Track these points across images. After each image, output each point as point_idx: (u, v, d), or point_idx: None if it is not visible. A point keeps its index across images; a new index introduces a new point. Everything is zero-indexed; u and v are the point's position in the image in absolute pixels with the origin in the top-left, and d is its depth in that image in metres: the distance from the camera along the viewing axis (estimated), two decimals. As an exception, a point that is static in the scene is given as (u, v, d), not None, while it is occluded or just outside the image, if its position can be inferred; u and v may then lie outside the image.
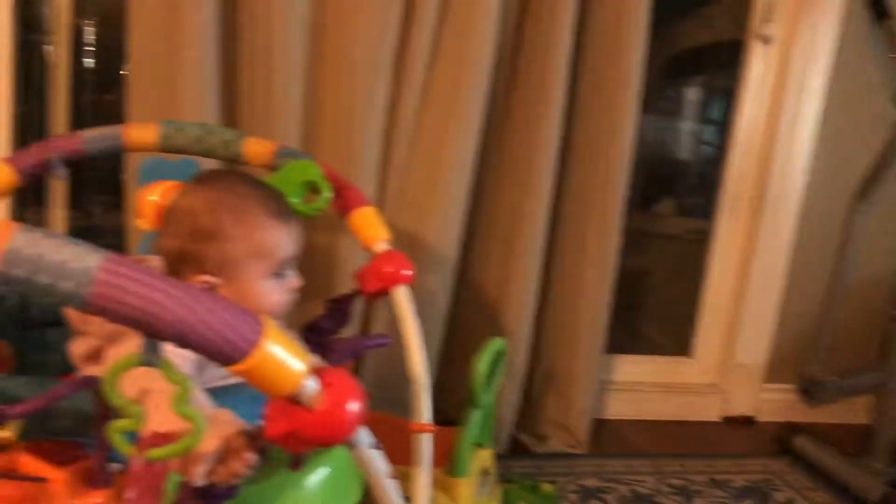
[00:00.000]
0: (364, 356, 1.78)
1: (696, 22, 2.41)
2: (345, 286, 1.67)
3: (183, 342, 0.60)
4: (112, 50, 1.99)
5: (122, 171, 1.67)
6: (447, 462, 1.36)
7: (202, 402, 0.77)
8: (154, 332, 0.59)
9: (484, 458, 1.45)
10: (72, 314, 0.93)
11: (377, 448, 0.75)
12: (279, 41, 1.58)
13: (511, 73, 1.78)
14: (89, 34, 2.01)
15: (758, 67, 2.06)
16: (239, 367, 0.61)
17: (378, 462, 0.76)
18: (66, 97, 1.95)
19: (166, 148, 1.24)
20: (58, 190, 1.95)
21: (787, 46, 2.00)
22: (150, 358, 0.62)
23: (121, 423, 0.65)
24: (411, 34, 1.65)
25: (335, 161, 1.61)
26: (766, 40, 2.02)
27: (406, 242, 1.68)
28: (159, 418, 0.69)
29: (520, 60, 1.77)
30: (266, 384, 0.63)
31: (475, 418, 1.38)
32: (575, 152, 1.83)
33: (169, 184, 1.21)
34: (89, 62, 2.02)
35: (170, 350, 0.66)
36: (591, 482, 1.78)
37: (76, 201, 2.01)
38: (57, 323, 1.07)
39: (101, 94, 2.08)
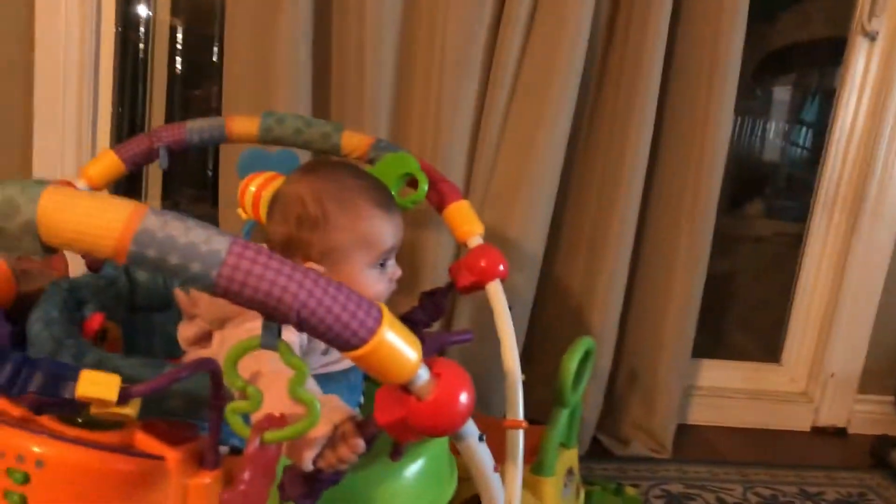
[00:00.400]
0: (446, 352, 1.78)
1: (791, 19, 2.33)
2: (430, 282, 1.68)
3: (304, 326, 0.60)
4: (202, 48, 2.05)
5: (210, 165, 1.71)
6: (532, 461, 1.35)
7: (312, 386, 0.77)
8: (277, 315, 0.59)
9: (569, 458, 1.43)
10: (181, 298, 0.96)
11: (483, 440, 0.75)
12: (371, 36, 1.59)
13: (602, 68, 1.76)
14: (181, 31, 2.07)
15: (860, 65, 1.97)
16: (357, 353, 0.62)
17: (484, 455, 0.76)
18: (164, 93, 2.01)
19: (266, 139, 1.26)
20: (154, 182, 2.01)
21: (894, 43, 1.92)
22: (270, 342, 0.63)
23: (238, 405, 0.66)
24: (502, 29, 1.64)
25: (422, 156, 1.61)
26: (870, 36, 1.94)
27: (490, 239, 1.67)
28: (271, 402, 0.71)
29: (612, 55, 1.74)
30: (381, 371, 0.64)
31: (562, 417, 1.37)
32: (667, 149, 1.79)
33: (268, 174, 1.23)
34: (180, 59, 2.08)
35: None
36: (676, 488, 1.75)
37: (166, 193, 2.07)
38: (162, 308, 1.10)
39: (190, 91, 2.14)
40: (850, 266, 2.03)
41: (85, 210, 0.56)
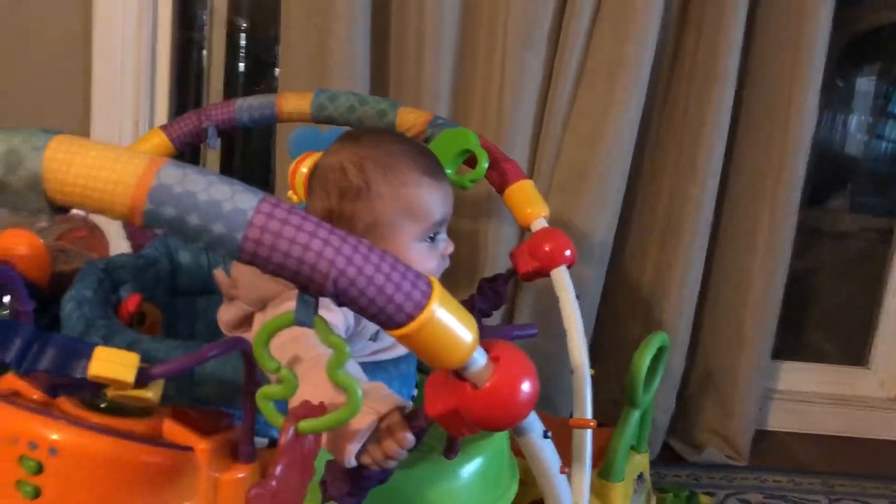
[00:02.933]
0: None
1: (875, 1, 2.17)
2: (488, 272, 1.59)
3: (341, 299, 0.52)
4: (262, 47, 2.01)
5: (272, 152, 1.66)
6: (600, 464, 1.25)
7: (356, 373, 0.70)
8: (311, 285, 0.52)
9: (640, 463, 1.33)
10: (221, 278, 0.89)
11: (548, 437, 0.66)
12: (431, 13, 1.51)
13: (676, 49, 1.64)
14: (243, 28, 2.04)
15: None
16: (402, 331, 0.54)
17: (549, 453, 0.67)
18: (221, 76, 1.98)
19: (319, 118, 1.20)
20: (211, 167, 1.98)
21: None
22: (305, 317, 0.55)
23: (271, 390, 0.59)
24: (569, 7, 1.55)
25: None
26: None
27: (556, 226, 1.58)
28: (310, 389, 0.63)
29: (687, 35, 1.63)
30: (431, 353, 0.55)
31: (632, 419, 1.27)
32: (746, 135, 1.67)
33: (320, 155, 1.16)
34: (241, 60, 2.05)
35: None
36: (755, 497, 1.62)
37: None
38: (206, 291, 1.04)
39: (252, 89, 2.11)
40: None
41: (95, 161, 0.50)
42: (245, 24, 2.05)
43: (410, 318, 0.53)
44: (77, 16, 1.67)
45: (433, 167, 0.90)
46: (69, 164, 0.50)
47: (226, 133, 1.22)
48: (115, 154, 0.50)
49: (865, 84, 2.31)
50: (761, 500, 1.62)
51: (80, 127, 1.69)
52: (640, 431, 1.32)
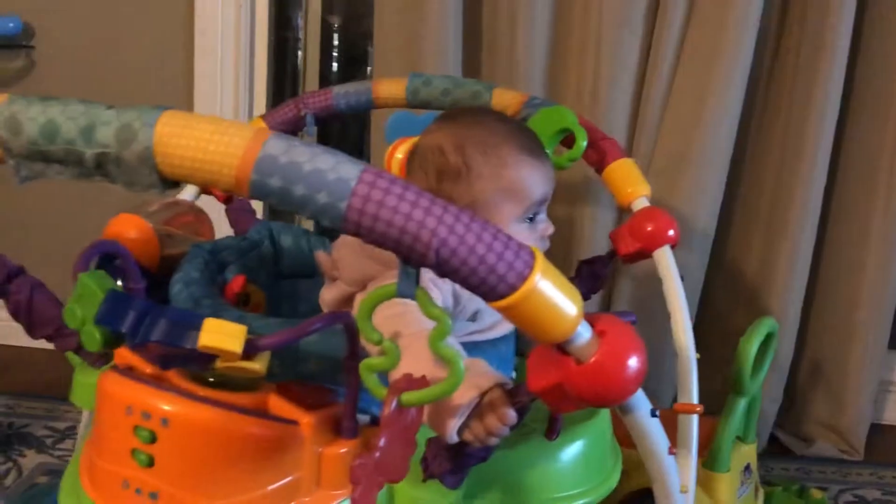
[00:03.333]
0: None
1: None
2: (584, 257, 1.56)
3: (443, 269, 0.52)
4: (355, 45, 2.04)
5: (364, 139, 1.67)
6: (704, 454, 1.21)
7: (458, 349, 0.69)
8: (411, 254, 0.51)
9: (747, 454, 1.29)
10: (322, 259, 0.90)
11: (656, 416, 0.64)
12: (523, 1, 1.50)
13: (780, 25, 1.57)
14: (336, 27, 2.07)
15: None
16: (505, 302, 0.53)
17: (657, 432, 0.64)
18: (317, 67, 2.01)
19: (413, 102, 1.20)
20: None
21: None
22: (407, 289, 0.55)
23: (374, 362, 0.59)
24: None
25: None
26: None
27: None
28: (412, 362, 0.63)
29: (791, 9, 1.55)
30: (534, 326, 0.54)
31: (739, 407, 1.22)
32: (858, 112, 1.58)
33: (416, 139, 1.17)
34: (335, 58, 2.08)
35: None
36: (872, 494, 1.54)
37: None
38: (308, 274, 1.06)
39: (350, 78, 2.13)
40: None
41: (202, 135, 0.51)
42: (338, 23, 2.08)
43: (513, 288, 0.52)
44: (179, 17, 1.73)
45: (534, 146, 0.89)
46: (179, 136, 0.51)
47: (323, 120, 1.23)
48: (222, 127, 0.51)
49: None
50: (879, 496, 1.54)
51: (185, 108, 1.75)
52: (747, 421, 1.27)
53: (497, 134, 0.87)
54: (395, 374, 0.61)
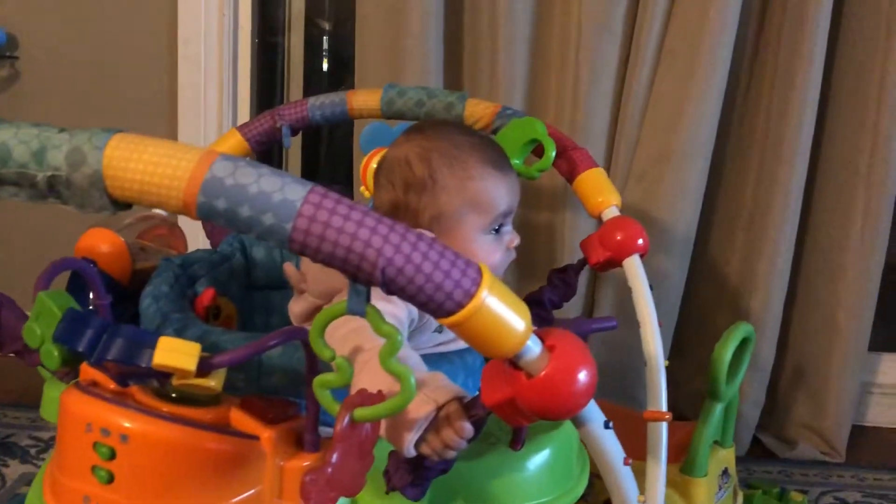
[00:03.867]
0: (588, 340, 1.66)
1: None
2: (566, 263, 1.57)
3: (390, 288, 0.53)
4: (344, 47, 2.04)
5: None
6: (681, 459, 1.22)
7: (415, 363, 0.70)
8: (358, 273, 0.52)
9: (724, 458, 1.29)
10: (290, 271, 0.91)
11: (610, 428, 0.65)
12: (503, 5, 1.50)
13: (759, 27, 1.58)
14: (325, 29, 2.08)
15: None
16: (453, 319, 0.53)
17: (611, 444, 0.65)
18: (301, 81, 2.02)
19: (388, 113, 1.21)
20: (293, 168, 2.02)
21: None
22: (357, 307, 0.56)
23: (326, 378, 0.59)
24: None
25: (559, 129, 1.51)
26: None
27: (635, 217, 1.54)
28: (369, 378, 0.64)
29: (770, 9, 1.56)
30: (482, 342, 0.55)
31: (715, 412, 1.23)
32: (837, 112, 1.59)
33: (388, 150, 1.17)
34: (323, 55, 2.09)
35: (381, 310, 0.60)
36: (852, 496, 1.55)
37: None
38: (280, 286, 1.07)
39: (334, 88, 2.14)
40: None
41: (151, 157, 0.51)
42: (327, 25, 2.09)
43: (460, 305, 0.53)
44: (162, 26, 1.74)
45: (498, 159, 0.90)
46: (127, 160, 0.52)
47: (299, 131, 1.24)
48: (170, 150, 0.52)
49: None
50: (859, 498, 1.55)
51: (168, 131, 1.76)
52: (725, 425, 1.28)
53: (462, 147, 0.88)
54: (355, 389, 0.62)
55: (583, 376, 0.57)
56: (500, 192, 0.88)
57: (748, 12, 1.55)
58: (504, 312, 0.54)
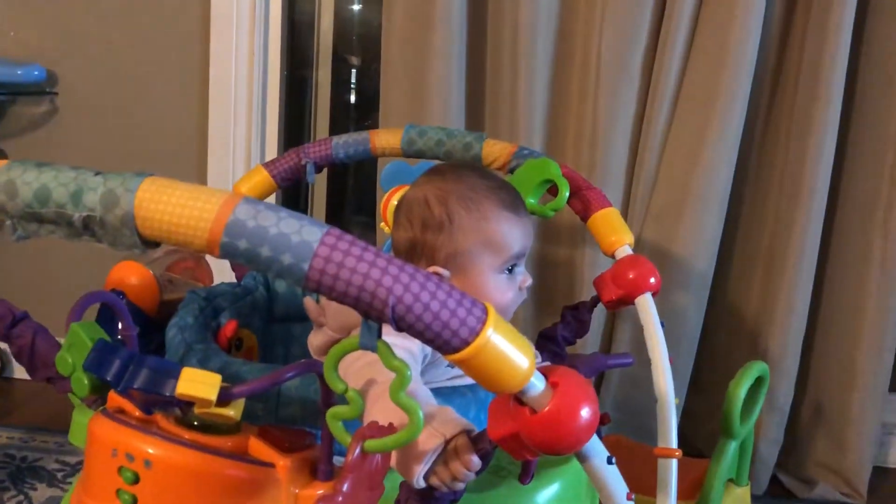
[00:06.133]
0: (605, 375, 1.68)
1: None
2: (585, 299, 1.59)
3: (399, 325, 0.56)
4: (372, 82, 2.10)
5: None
6: (696, 496, 1.22)
7: (425, 397, 0.73)
8: (371, 311, 0.55)
9: (740, 496, 1.29)
10: (310, 305, 0.95)
11: (612, 463, 0.67)
12: (524, 47, 1.55)
13: (776, 71, 1.61)
14: (353, 64, 2.13)
15: None
16: (459, 356, 0.56)
17: (614, 479, 0.67)
18: (327, 118, 2.07)
19: (409, 152, 1.25)
20: (318, 207, 2.07)
21: None
22: (369, 342, 0.59)
23: (339, 410, 0.62)
24: (665, 32, 1.55)
25: (578, 169, 1.54)
26: None
27: (654, 257, 1.56)
28: (380, 410, 0.66)
29: (787, 55, 1.59)
30: (488, 378, 0.58)
31: (729, 450, 1.23)
32: (855, 152, 1.61)
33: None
34: (350, 92, 2.14)
35: (396, 343, 0.63)
36: (872, 538, 1.54)
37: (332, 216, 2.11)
38: (301, 318, 1.10)
39: (361, 122, 2.19)
40: None
41: (179, 200, 0.55)
42: (355, 60, 2.15)
43: (466, 343, 0.56)
44: (194, 63, 1.81)
45: (513, 202, 0.93)
46: (157, 202, 0.56)
47: (324, 168, 1.28)
48: (196, 193, 0.56)
49: None
50: (879, 540, 1.54)
51: (198, 168, 1.82)
52: (740, 463, 1.28)
53: (478, 190, 0.92)
54: (367, 420, 0.65)
55: (585, 413, 0.59)
56: (513, 234, 0.92)
57: (765, 56, 1.57)
58: (508, 350, 0.57)
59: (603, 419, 0.68)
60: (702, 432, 1.63)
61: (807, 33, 1.54)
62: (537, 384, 0.59)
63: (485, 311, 0.57)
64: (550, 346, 1.11)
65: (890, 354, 1.64)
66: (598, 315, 1.22)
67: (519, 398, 0.60)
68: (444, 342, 0.56)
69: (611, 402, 1.66)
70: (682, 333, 1.62)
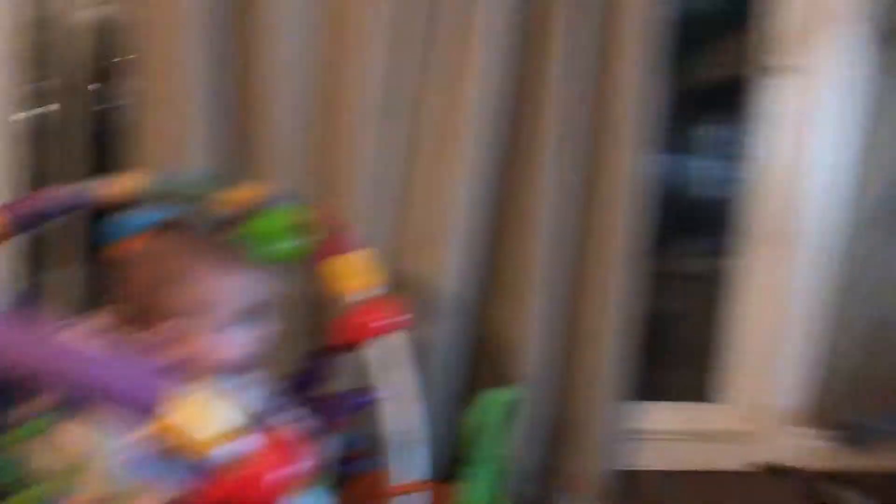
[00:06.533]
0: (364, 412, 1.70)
1: (709, 56, 2.33)
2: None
3: (85, 398, 0.55)
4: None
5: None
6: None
7: (132, 469, 0.72)
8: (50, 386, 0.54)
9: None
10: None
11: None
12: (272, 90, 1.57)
13: (515, 115, 1.73)
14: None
15: (780, 100, 1.97)
16: (147, 431, 0.57)
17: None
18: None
19: (145, 200, 1.21)
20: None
21: (812, 77, 1.92)
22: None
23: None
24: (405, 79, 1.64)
25: (323, 208, 1.54)
26: (786, 72, 1.94)
27: (398, 294, 1.63)
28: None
29: (529, 79, 1.72)
30: (180, 446, 0.58)
31: (474, 476, 1.29)
32: (585, 192, 1.77)
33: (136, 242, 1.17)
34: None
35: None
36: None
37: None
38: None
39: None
40: (786, 301, 2.00)
41: None
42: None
43: (149, 417, 0.56)
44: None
45: (228, 260, 0.97)
46: None
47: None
48: None
49: (708, 130, 2.44)
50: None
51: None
52: (495, 486, 1.34)
53: (199, 251, 0.95)
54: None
55: (275, 474, 0.61)
56: (236, 291, 0.95)
57: (508, 82, 1.69)
58: (194, 420, 0.58)
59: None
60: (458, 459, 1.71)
61: (532, 78, 1.68)
62: (231, 449, 0.61)
63: (165, 386, 0.57)
64: (300, 392, 1.12)
65: (617, 366, 1.80)
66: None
67: (213, 462, 0.61)
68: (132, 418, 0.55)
69: (369, 436, 1.69)
70: (444, 362, 1.70)
